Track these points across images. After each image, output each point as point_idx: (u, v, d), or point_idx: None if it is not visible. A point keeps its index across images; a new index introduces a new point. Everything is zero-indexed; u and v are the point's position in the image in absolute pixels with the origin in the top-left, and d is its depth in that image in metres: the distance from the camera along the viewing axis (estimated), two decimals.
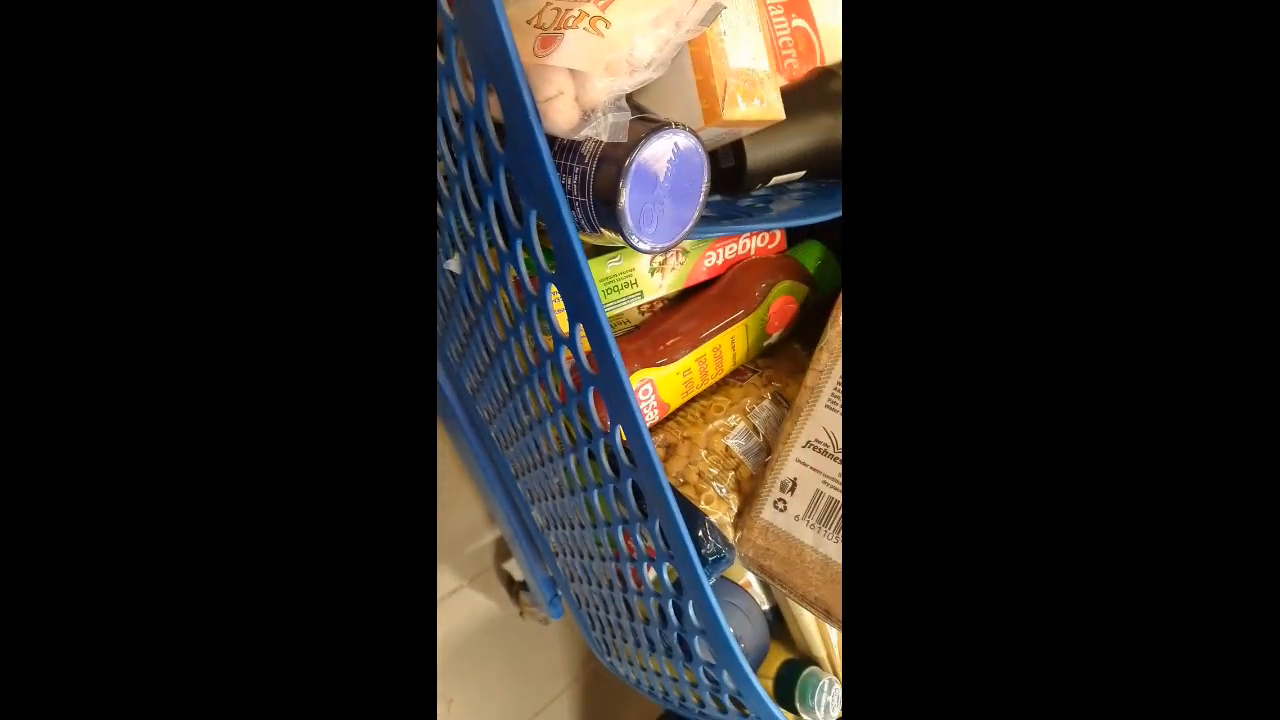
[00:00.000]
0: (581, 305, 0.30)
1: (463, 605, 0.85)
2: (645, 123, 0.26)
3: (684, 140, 0.26)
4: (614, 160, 0.25)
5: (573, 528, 0.49)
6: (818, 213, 0.38)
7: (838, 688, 0.45)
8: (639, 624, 0.46)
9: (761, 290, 0.39)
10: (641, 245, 0.28)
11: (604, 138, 0.25)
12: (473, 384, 0.55)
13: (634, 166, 0.25)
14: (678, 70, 0.31)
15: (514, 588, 0.88)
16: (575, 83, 0.25)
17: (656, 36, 0.25)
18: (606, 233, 0.28)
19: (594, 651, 0.63)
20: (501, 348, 0.41)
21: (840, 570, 0.34)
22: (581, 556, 0.51)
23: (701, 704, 0.46)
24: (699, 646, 0.39)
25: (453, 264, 0.40)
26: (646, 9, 0.26)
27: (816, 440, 0.35)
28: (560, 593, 0.77)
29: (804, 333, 0.42)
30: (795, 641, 0.47)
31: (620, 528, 0.40)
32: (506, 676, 0.87)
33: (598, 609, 0.55)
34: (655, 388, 0.37)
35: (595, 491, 0.40)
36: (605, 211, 0.27)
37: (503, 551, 0.89)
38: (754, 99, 0.31)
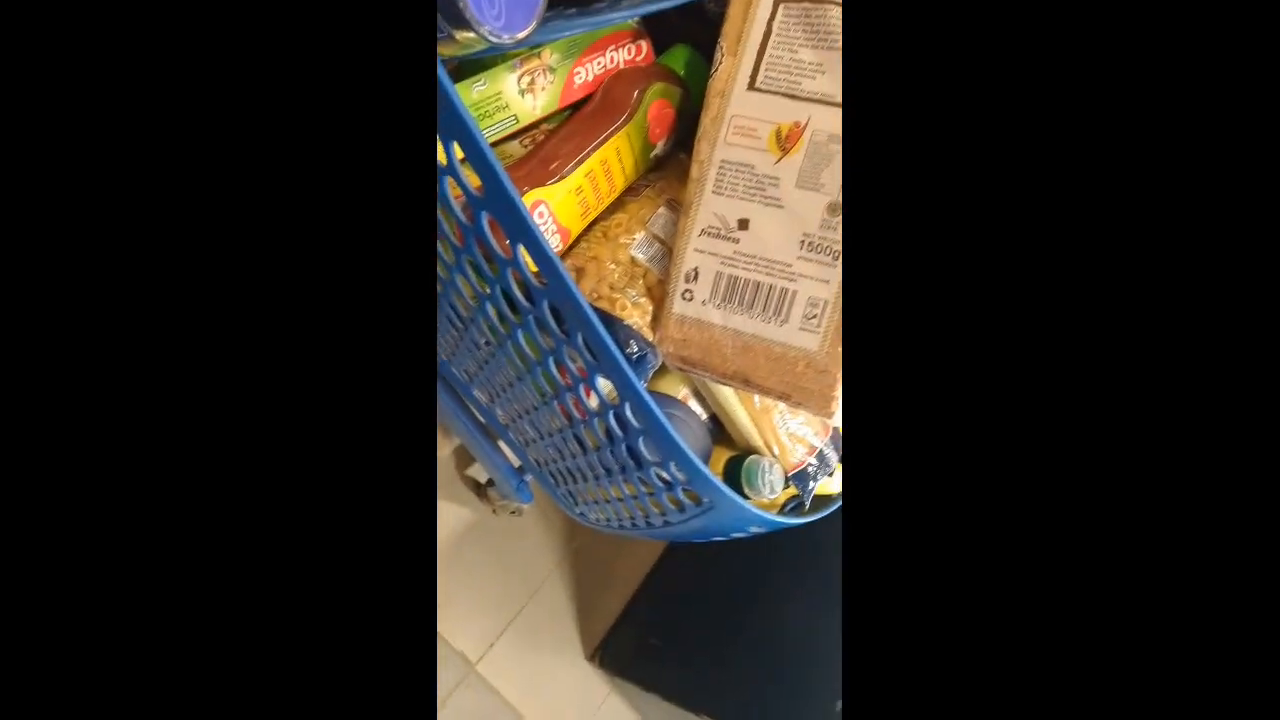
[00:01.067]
0: (452, 123, 0.30)
1: (439, 518, 0.88)
2: None
3: None
4: None
5: (511, 385, 0.51)
6: None
7: (778, 467, 0.50)
8: (592, 455, 0.49)
9: (635, 97, 0.40)
10: (492, 36, 0.28)
11: None
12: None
13: None
14: None
15: (481, 490, 0.91)
16: None
17: None
18: (458, 34, 0.28)
19: (564, 509, 0.67)
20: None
21: (751, 338, 0.37)
22: (529, 413, 0.53)
23: (664, 512, 0.50)
24: (644, 449, 0.42)
25: None
26: None
27: (709, 226, 0.37)
28: (525, 475, 0.80)
29: (687, 142, 0.43)
30: (735, 440, 0.52)
31: (551, 360, 0.42)
32: (495, 574, 0.91)
33: (555, 461, 0.57)
34: (550, 209, 0.38)
35: (519, 332, 0.42)
36: (450, 8, 0.26)
37: (464, 459, 0.91)
38: None
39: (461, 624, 0.88)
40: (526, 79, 0.38)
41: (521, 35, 0.29)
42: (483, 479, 0.91)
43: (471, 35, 0.28)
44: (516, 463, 0.81)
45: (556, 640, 0.95)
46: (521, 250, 0.34)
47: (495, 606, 0.91)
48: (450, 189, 0.34)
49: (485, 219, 0.34)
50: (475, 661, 0.87)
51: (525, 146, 0.40)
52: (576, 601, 0.98)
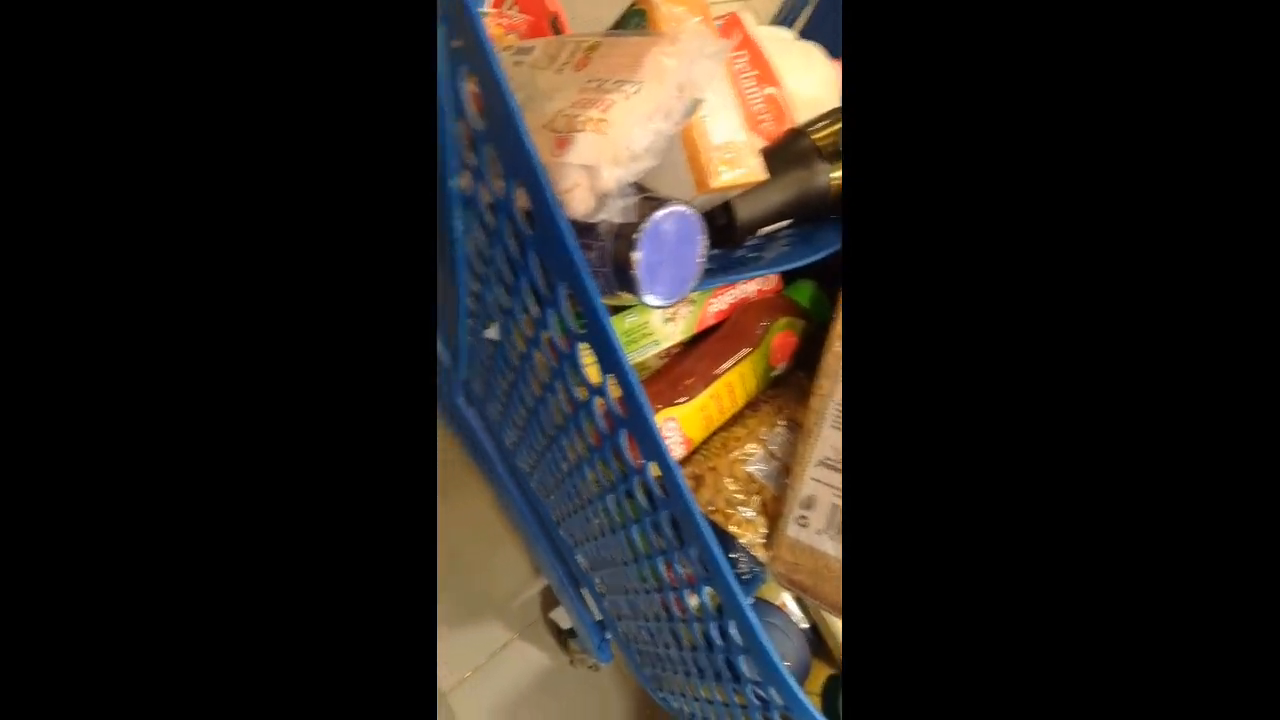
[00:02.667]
0: (608, 357, 0.34)
1: (515, 658, 0.87)
2: (648, 201, 0.31)
3: (680, 211, 0.31)
4: (625, 235, 0.30)
5: (616, 565, 0.52)
6: (803, 255, 0.42)
7: None
8: (686, 652, 0.49)
9: (762, 328, 0.44)
10: (653, 302, 0.33)
11: (616, 219, 0.30)
12: (513, 440, 0.59)
13: (643, 239, 0.30)
14: (671, 151, 0.36)
15: (562, 636, 0.90)
16: (588, 175, 0.30)
17: (650, 129, 0.31)
18: (623, 294, 0.33)
19: (646, 689, 0.65)
20: (538, 403, 0.46)
21: None
22: (627, 593, 0.54)
23: None
24: (744, 666, 0.41)
25: (491, 332, 0.45)
26: (640, 109, 0.31)
27: (826, 459, 0.39)
28: (609, 635, 0.79)
29: (806, 363, 0.46)
30: (836, 657, 0.49)
31: (660, 559, 0.43)
32: None
33: (646, 644, 0.57)
34: (679, 424, 0.41)
35: (634, 527, 0.44)
36: (621, 277, 0.32)
37: (550, 601, 0.91)
38: (736, 167, 0.36)
39: None
40: (670, 310, 0.43)
41: (673, 302, 0.34)
42: (565, 625, 0.90)
43: (633, 298, 0.33)
44: (599, 616, 0.81)
45: None
46: (651, 466, 0.37)
47: None
48: (598, 406, 0.38)
49: (624, 435, 0.38)
50: None
51: (660, 359, 0.45)
52: None
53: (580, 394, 0.39)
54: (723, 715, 0.51)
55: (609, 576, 0.57)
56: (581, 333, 0.35)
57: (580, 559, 0.63)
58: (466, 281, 0.45)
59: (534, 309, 0.38)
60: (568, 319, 0.35)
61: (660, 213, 0.31)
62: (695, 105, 0.31)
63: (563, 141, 0.31)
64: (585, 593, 0.79)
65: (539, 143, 0.32)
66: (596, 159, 0.30)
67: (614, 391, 0.37)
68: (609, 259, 0.31)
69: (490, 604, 0.88)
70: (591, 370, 0.37)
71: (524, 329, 0.41)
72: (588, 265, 0.33)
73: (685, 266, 0.34)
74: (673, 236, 0.32)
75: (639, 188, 0.33)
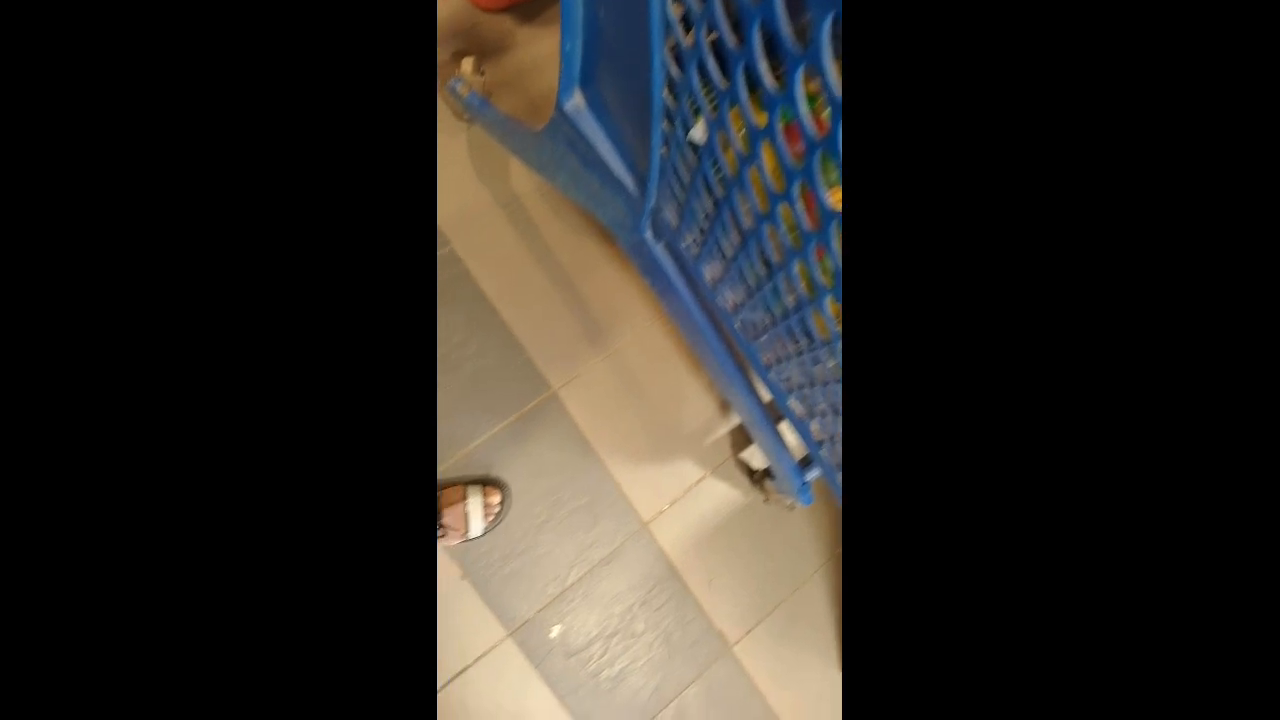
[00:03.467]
0: None
1: (709, 493, 0.88)
2: None
3: None
4: None
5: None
6: None
7: None
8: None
9: None
10: None
11: None
12: (713, 274, 0.51)
13: None
14: None
15: (754, 475, 0.88)
16: None
17: None
18: None
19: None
20: (761, 223, 0.36)
21: None
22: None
23: None
24: None
25: (697, 132, 0.35)
26: None
27: None
28: (810, 479, 0.74)
29: None
30: None
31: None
32: (760, 561, 0.89)
33: None
34: None
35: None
36: None
37: (739, 441, 0.89)
38: None
39: (723, 604, 0.88)
40: None
41: None
42: (756, 465, 0.88)
43: None
44: (801, 453, 0.76)
45: (812, 642, 0.90)
46: None
47: (757, 594, 0.89)
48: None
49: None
50: (733, 643, 0.88)
51: None
52: (836, 608, 0.92)
53: (834, 202, 0.29)
54: None
55: (830, 411, 0.49)
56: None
57: (794, 404, 0.56)
58: (664, 65, 0.34)
59: (770, 81, 0.27)
60: (830, 81, 0.24)
61: None
62: None
63: None
64: (786, 430, 0.74)
65: None
66: None
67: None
68: None
69: (680, 442, 0.88)
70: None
71: (750, 117, 0.30)
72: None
73: None
74: None
75: None
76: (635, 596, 0.86)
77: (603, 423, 0.86)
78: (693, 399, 0.90)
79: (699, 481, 0.90)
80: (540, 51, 0.88)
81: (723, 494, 0.90)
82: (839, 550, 0.92)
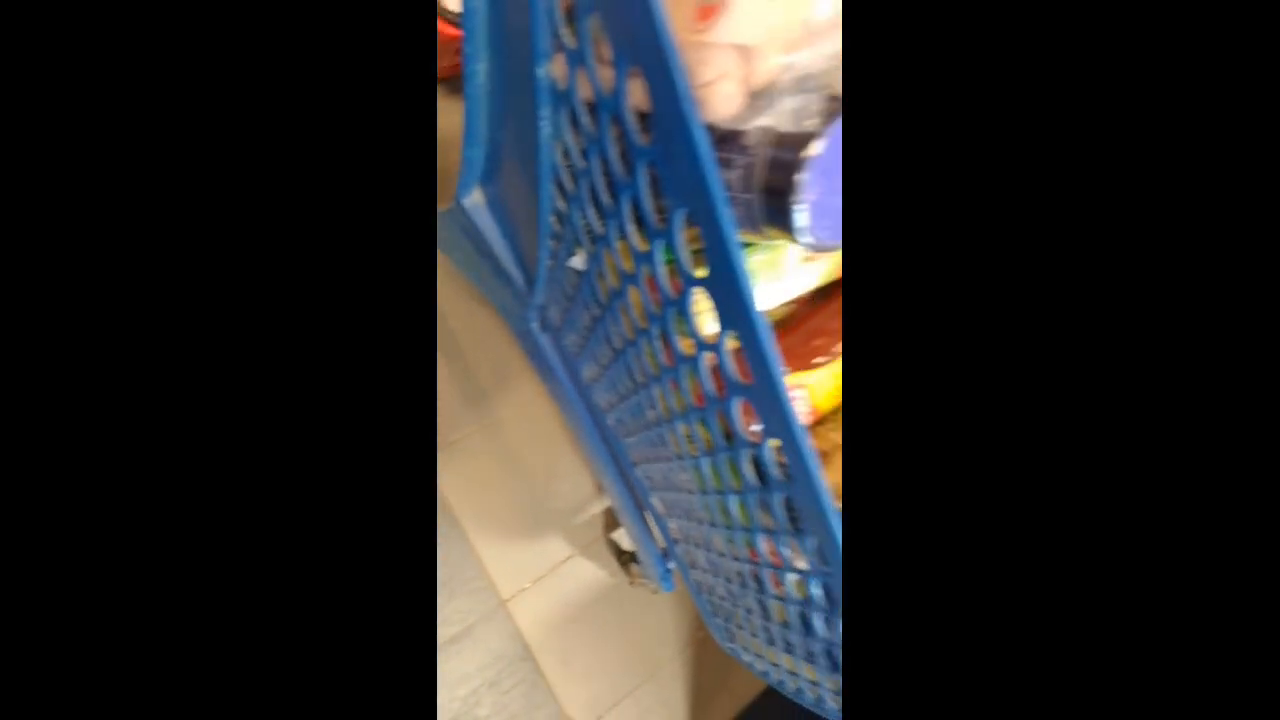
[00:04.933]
0: (735, 312, 0.26)
1: (575, 573, 0.88)
2: (833, 102, 0.22)
3: None
4: (791, 150, 0.21)
5: (702, 523, 0.47)
6: None
7: None
8: (775, 625, 0.44)
9: None
10: (810, 242, 0.24)
11: (785, 125, 0.21)
12: (591, 375, 0.54)
13: (818, 156, 0.21)
14: None
15: (623, 557, 0.89)
16: (742, 60, 0.21)
17: None
18: (770, 230, 0.25)
19: (715, 637, 0.62)
20: (629, 346, 0.39)
21: None
22: (708, 551, 0.50)
23: (820, 701, 0.44)
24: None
25: (577, 261, 0.38)
26: None
27: None
28: (673, 567, 0.76)
29: None
30: None
31: (761, 535, 0.37)
32: (619, 642, 0.89)
33: (722, 600, 0.53)
34: (807, 394, 0.33)
35: (733, 497, 0.38)
36: (774, 209, 0.23)
37: (612, 522, 0.90)
38: None
39: (577, 688, 0.86)
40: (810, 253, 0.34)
41: (834, 244, 0.25)
42: (626, 546, 0.89)
43: (784, 237, 0.25)
44: (664, 545, 0.78)
45: None
46: (770, 442, 0.30)
47: (614, 678, 0.89)
48: (707, 362, 0.31)
49: (738, 404, 0.31)
50: None
51: (785, 308, 0.37)
52: (692, 696, 0.93)
53: (685, 348, 0.32)
54: (804, 687, 0.48)
55: (689, 528, 0.52)
56: (701, 277, 0.27)
57: (656, 503, 0.59)
58: (550, 197, 0.37)
59: (637, 240, 0.30)
60: (682, 257, 0.27)
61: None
62: None
63: (709, 11, 0.21)
64: (650, 520, 0.76)
65: (673, 12, 0.22)
66: (760, 36, 0.20)
67: (730, 346, 0.29)
68: (758, 181, 0.22)
69: (552, 518, 0.87)
70: (703, 319, 0.29)
71: (620, 262, 0.33)
72: (724, 190, 0.24)
73: None
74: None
75: (816, 86, 0.24)
76: (483, 678, 0.82)
77: (473, 494, 0.84)
78: (569, 475, 0.90)
79: (566, 560, 0.89)
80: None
81: (590, 574, 0.90)
82: (700, 634, 0.94)
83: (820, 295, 0.37)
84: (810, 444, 0.28)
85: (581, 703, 0.85)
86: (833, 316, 0.34)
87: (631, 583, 0.88)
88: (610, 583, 0.89)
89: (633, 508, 0.74)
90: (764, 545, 0.38)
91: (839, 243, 0.24)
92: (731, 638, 0.57)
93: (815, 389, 0.33)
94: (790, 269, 0.33)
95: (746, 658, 0.56)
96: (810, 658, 0.41)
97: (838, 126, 0.21)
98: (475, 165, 0.45)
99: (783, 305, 0.37)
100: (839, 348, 0.34)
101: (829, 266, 0.35)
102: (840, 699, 0.41)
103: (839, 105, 0.21)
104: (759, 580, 0.42)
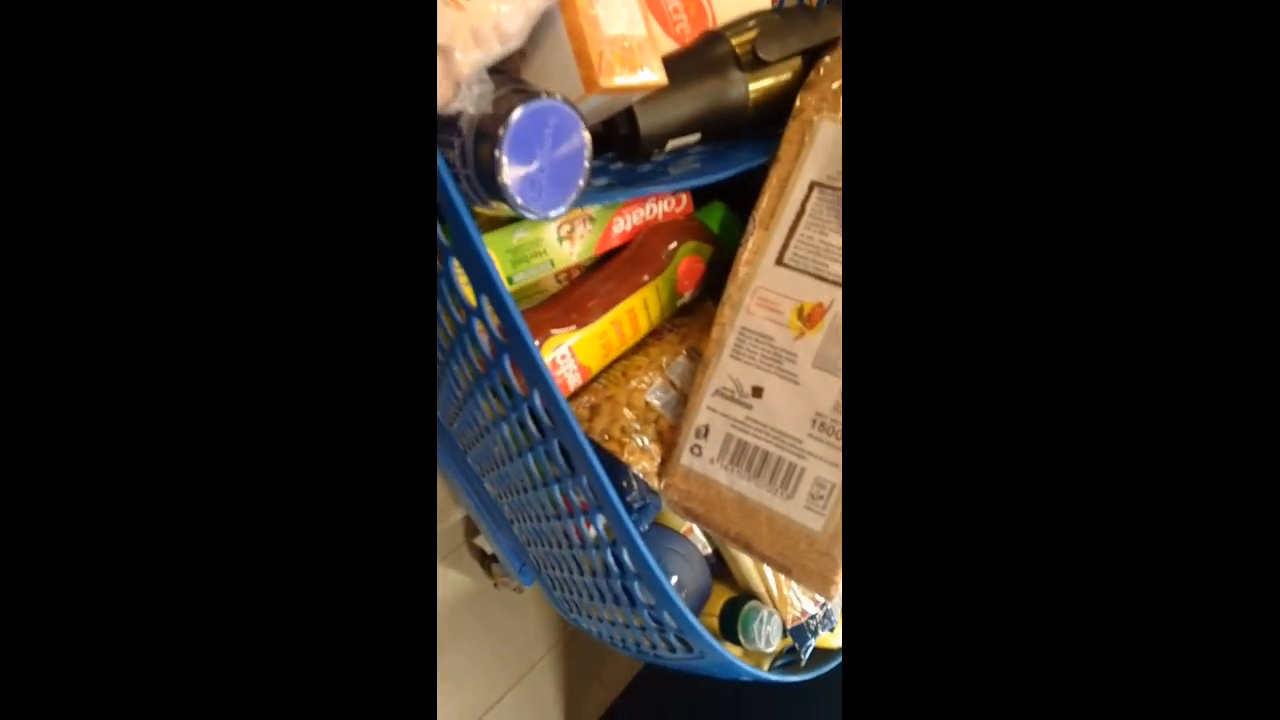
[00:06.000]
0: (478, 276, 0.31)
1: (439, 582, 0.88)
2: (518, 94, 0.27)
3: (554, 105, 0.28)
4: (489, 132, 0.27)
5: (519, 492, 0.51)
6: (714, 173, 0.39)
7: (776, 618, 0.48)
8: (588, 578, 0.49)
9: (669, 252, 0.41)
10: (530, 214, 0.30)
11: (471, 109, 0.26)
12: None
13: (508, 135, 0.27)
14: (557, 42, 0.32)
15: (486, 561, 0.90)
16: (442, 56, 0.26)
17: (517, 5, 0.26)
18: (495, 203, 0.30)
19: (559, 611, 0.66)
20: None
21: (756, 505, 0.37)
22: (532, 520, 0.54)
23: (654, 646, 0.49)
24: (639, 591, 0.41)
25: None
26: None
27: (723, 388, 0.38)
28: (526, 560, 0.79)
29: (715, 290, 0.44)
30: (737, 580, 0.50)
31: (556, 486, 0.42)
32: (489, 646, 0.90)
33: (554, 569, 0.57)
34: (573, 352, 0.39)
35: (529, 455, 0.42)
36: (487, 182, 0.28)
37: (473, 528, 0.91)
38: (633, 68, 0.32)
39: (450, 693, 0.86)
40: (566, 227, 0.39)
41: (555, 214, 0.30)
42: (489, 549, 0.91)
43: (507, 209, 0.30)
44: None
45: None
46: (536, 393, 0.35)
47: (486, 681, 0.89)
48: (479, 330, 0.35)
49: (507, 361, 0.35)
50: None
51: (560, 281, 0.42)
52: (565, 692, 0.95)
53: (459, 315, 0.36)
54: (626, 636, 0.52)
55: (515, 504, 0.56)
56: (450, 247, 0.32)
57: (489, 486, 0.62)
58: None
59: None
60: (439, 234, 0.32)
61: (528, 107, 0.27)
62: None
63: None
64: (499, 519, 0.79)
65: None
66: (451, 38, 0.25)
67: (494, 316, 0.34)
68: (472, 159, 0.27)
69: None
70: (470, 290, 0.34)
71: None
72: (449, 167, 0.29)
73: (568, 174, 0.30)
74: (547, 135, 0.28)
75: (515, 80, 0.29)
76: None
77: None
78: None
79: None
80: None
81: (454, 581, 0.91)
82: (567, 631, 0.97)
83: (588, 269, 0.42)
84: (557, 389, 0.33)
85: (454, 711, 0.85)
86: (596, 285, 0.40)
87: (495, 584, 0.90)
88: (476, 588, 0.90)
89: (482, 506, 0.77)
90: (559, 496, 0.42)
91: (551, 211, 0.30)
92: (571, 608, 0.61)
93: (581, 348, 0.39)
94: (552, 245, 0.39)
95: (586, 624, 0.60)
96: (617, 600, 0.46)
97: (526, 107, 0.27)
98: None
99: (555, 279, 0.42)
100: (600, 312, 0.39)
101: (585, 244, 0.41)
102: (645, 634, 0.46)
103: (521, 96, 0.27)
104: (568, 535, 0.47)
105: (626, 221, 0.41)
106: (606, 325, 0.39)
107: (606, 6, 0.31)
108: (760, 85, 0.41)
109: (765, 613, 0.47)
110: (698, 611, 0.50)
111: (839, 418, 0.34)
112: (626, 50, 0.32)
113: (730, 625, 0.48)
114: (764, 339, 0.36)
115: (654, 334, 0.43)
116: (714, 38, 0.40)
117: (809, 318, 0.35)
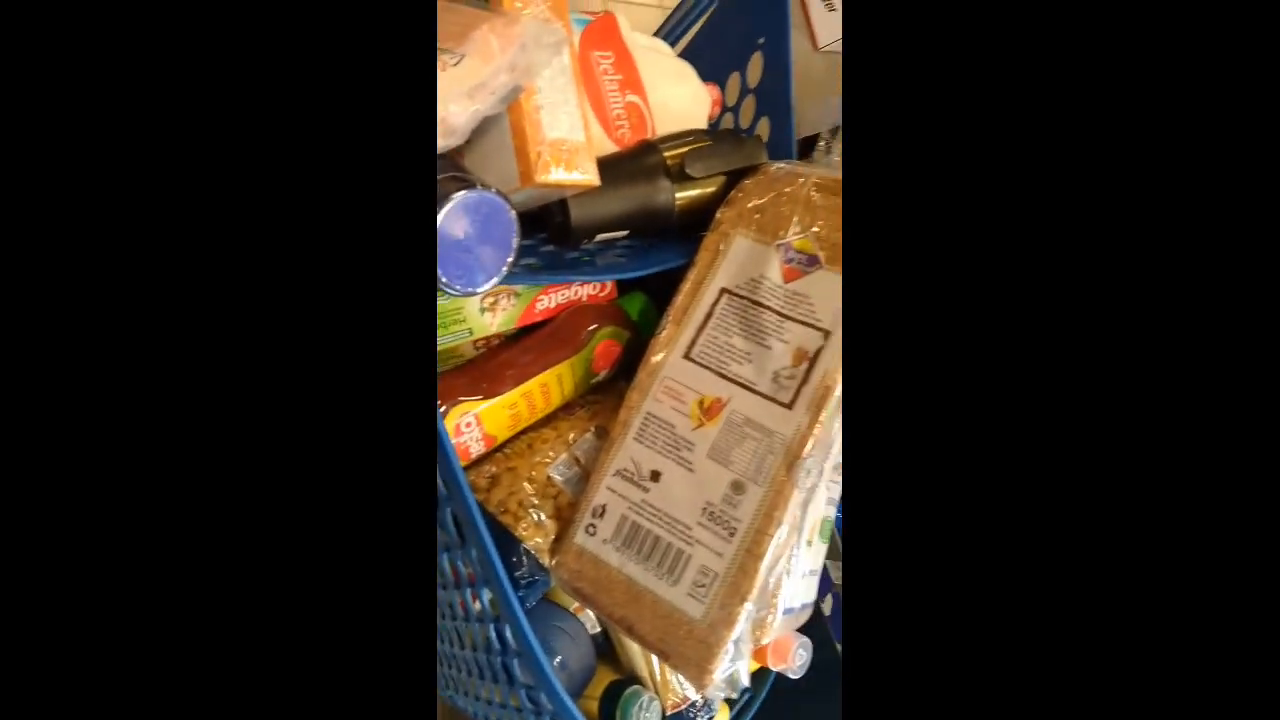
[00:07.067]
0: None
1: None
2: (455, 181, 0.29)
3: (488, 197, 0.30)
4: None
5: None
6: (637, 268, 0.42)
7: (656, 704, 0.48)
8: (469, 652, 0.47)
9: (588, 333, 0.43)
10: (453, 290, 0.31)
11: None
12: None
13: (441, 218, 0.29)
14: (500, 137, 0.35)
15: None
16: None
17: (467, 107, 0.29)
18: None
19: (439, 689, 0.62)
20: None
21: (643, 589, 0.38)
22: None
23: None
24: (518, 669, 0.41)
25: None
26: (458, 82, 0.29)
27: (624, 469, 0.39)
28: None
29: (629, 373, 0.46)
30: (622, 662, 0.50)
31: (445, 555, 0.41)
32: None
33: (437, 642, 0.55)
34: (479, 421, 0.39)
35: None
36: None
37: None
38: (569, 167, 0.35)
39: None
40: (490, 300, 0.41)
41: (479, 291, 0.32)
42: None
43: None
44: None
45: None
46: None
47: None
48: None
49: None
50: None
51: (477, 349, 0.43)
52: None
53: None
54: (501, 717, 0.50)
55: None
56: None
57: None
58: None
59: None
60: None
61: (462, 195, 0.29)
62: (515, 92, 0.30)
63: None
64: None
65: None
66: None
67: None
68: None
69: None
70: None
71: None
72: None
73: (495, 257, 0.32)
74: (478, 222, 0.30)
75: (457, 168, 0.31)
76: None
77: None
78: None
79: None
80: None
81: None
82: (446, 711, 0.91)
83: (509, 339, 0.44)
84: (455, 457, 0.33)
85: None
86: (513, 357, 0.41)
87: None
88: None
89: None
90: (447, 565, 0.41)
91: (474, 289, 0.32)
92: (447, 684, 0.58)
93: (487, 416, 0.40)
94: (472, 315, 0.40)
95: (461, 702, 0.57)
96: (495, 678, 0.45)
97: (456, 199, 0.29)
98: None
99: (472, 345, 0.43)
100: (512, 384, 0.40)
101: (507, 317, 0.42)
102: (520, 716, 0.45)
103: (458, 184, 0.29)
104: (452, 608, 0.45)
105: (551, 300, 0.43)
106: (518, 396, 0.40)
107: (550, 113, 0.35)
108: (686, 195, 0.45)
109: (646, 698, 0.47)
110: (579, 693, 0.49)
111: (727, 509, 0.36)
112: (565, 152, 0.35)
113: (609, 710, 0.48)
114: (666, 426, 0.38)
115: (565, 409, 0.44)
116: (649, 148, 0.44)
117: (708, 410, 0.38)
